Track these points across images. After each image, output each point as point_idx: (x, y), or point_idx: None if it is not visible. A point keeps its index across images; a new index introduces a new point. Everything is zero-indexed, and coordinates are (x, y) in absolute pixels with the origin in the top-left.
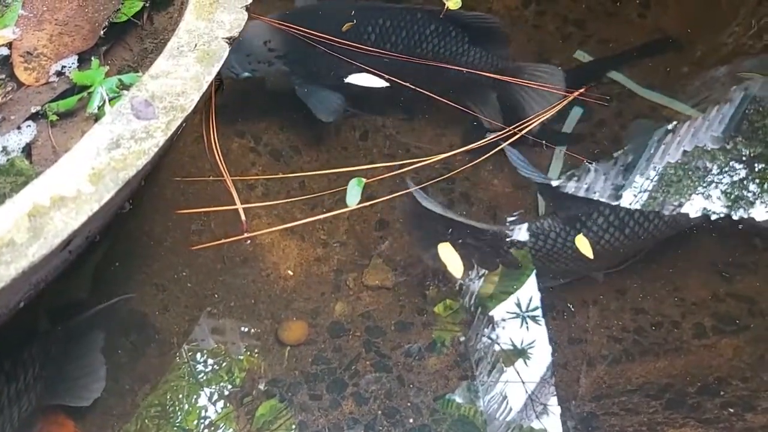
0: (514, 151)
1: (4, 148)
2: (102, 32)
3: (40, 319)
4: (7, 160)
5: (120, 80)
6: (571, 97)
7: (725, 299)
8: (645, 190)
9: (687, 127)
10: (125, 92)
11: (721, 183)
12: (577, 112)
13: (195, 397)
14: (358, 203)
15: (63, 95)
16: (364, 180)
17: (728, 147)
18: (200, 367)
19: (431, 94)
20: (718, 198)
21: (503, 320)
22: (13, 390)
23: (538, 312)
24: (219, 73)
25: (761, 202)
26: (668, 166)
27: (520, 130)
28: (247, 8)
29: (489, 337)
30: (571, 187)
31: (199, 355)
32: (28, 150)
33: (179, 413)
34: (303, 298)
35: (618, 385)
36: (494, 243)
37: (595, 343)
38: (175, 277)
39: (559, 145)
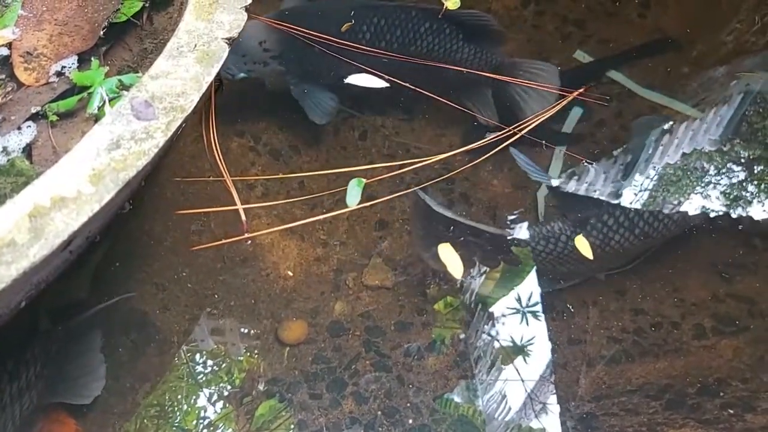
0: (522, 155)
1: (5, 149)
2: (102, 32)
3: (41, 319)
4: (8, 161)
5: (120, 81)
6: (571, 97)
7: (725, 300)
8: (651, 190)
9: (686, 127)
10: (125, 93)
11: (721, 183)
12: (576, 112)
13: (194, 396)
14: (358, 203)
15: (63, 95)
16: (364, 180)
17: (725, 149)
18: (200, 366)
19: (428, 93)
20: (717, 198)
21: (503, 317)
22: (16, 388)
23: (539, 308)
24: (218, 74)
25: (760, 202)
26: (671, 166)
27: (520, 130)
28: (247, 9)
29: (489, 335)
30: (580, 189)
31: (199, 354)
32: (28, 150)
33: (179, 413)
34: (303, 297)
35: (618, 386)
36: (495, 241)
37: (594, 343)
38: (175, 276)
39: (558, 145)
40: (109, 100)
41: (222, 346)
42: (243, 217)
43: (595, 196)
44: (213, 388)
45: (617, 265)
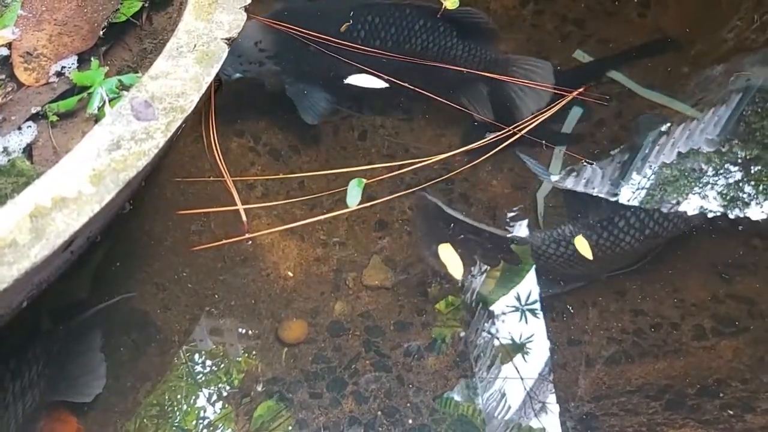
0: (531, 160)
1: (5, 149)
2: (101, 32)
3: (42, 319)
4: (8, 161)
5: (120, 81)
6: (570, 97)
7: (725, 300)
8: (658, 188)
9: (684, 127)
10: (125, 93)
11: (722, 183)
12: (576, 112)
13: (194, 396)
14: (358, 204)
15: (63, 96)
16: (364, 181)
17: (724, 150)
18: (201, 366)
19: (426, 92)
20: (715, 198)
21: (503, 315)
22: (18, 387)
23: (537, 306)
24: (217, 74)
25: (758, 202)
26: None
27: (520, 130)
28: (246, 9)
29: (489, 333)
30: (587, 190)
31: (199, 354)
32: (28, 150)
33: (179, 412)
34: (303, 297)
35: (617, 386)
36: (496, 240)
37: (594, 344)
38: (175, 276)
39: (558, 144)
40: (109, 101)
41: (222, 346)
42: (244, 218)
43: (605, 198)
44: (213, 387)
45: (625, 266)
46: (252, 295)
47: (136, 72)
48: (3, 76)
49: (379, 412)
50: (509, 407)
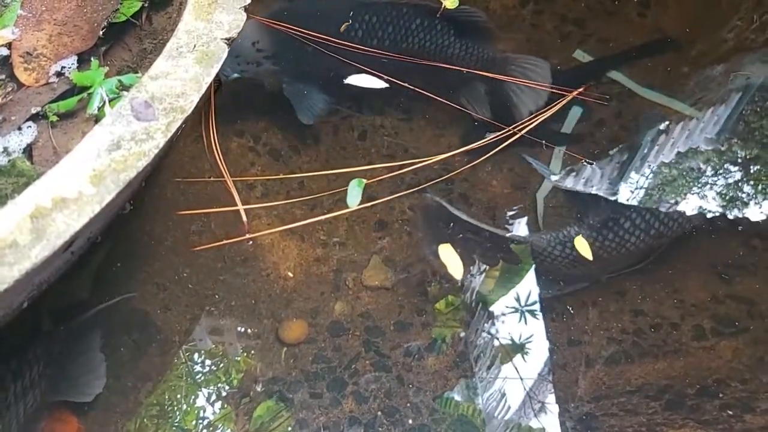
0: (538, 162)
1: (6, 149)
2: (101, 32)
3: (43, 319)
4: (9, 161)
5: (120, 81)
6: (570, 97)
7: (724, 301)
8: (665, 188)
9: (682, 127)
10: (125, 93)
11: (721, 183)
12: (576, 112)
13: (195, 396)
14: (359, 204)
15: (63, 96)
16: (364, 181)
17: (723, 148)
18: (201, 366)
19: (424, 92)
20: (714, 198)
21: (503, 315)
22: (20, 387)
23: (537, 307)
24: (217, 74)
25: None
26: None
27: (520, 130)
28: (246, 9)
29: (489, 333)
30: (591, 190)
31: (200, 354)
32: (29, 151)
33: (179, 412)
34: (303, 297)
35: (617, 386)
36: (495, 239)
37: (594, 344)
38: (176, 276)
39: (558, 144)
40: (109, 101)
41: (222, 346)
42: (244, 218)
43: (609, 198)
44: (213, 387)
45: (628, 265)
46: (252, 295)
47: (136, 72)
48: (3, 76)
49: (379, 412)
50: (509, 407)
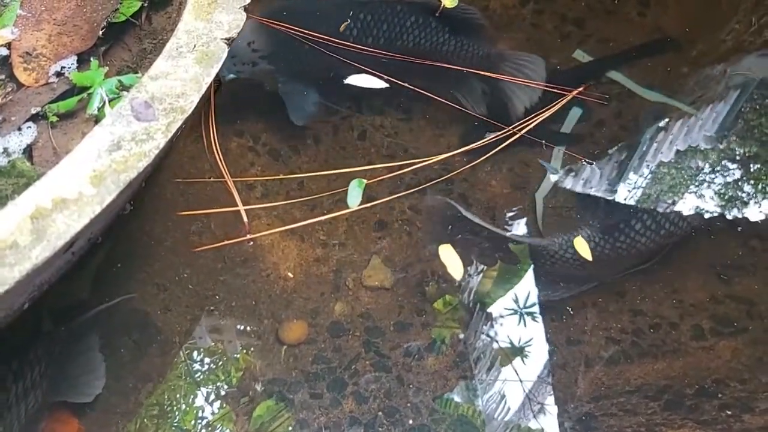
0: (550, 165)
1: (5, 150)
2: (101, 32)
3: (43, 320)
4: (9, 162)
5: (119, 81)
6: (570, 97)
7: (724, 301)
8: (673, 188)
9: (681, 124)
10: (125, 93)
11: (720, 182)
12: (576, 112)
13: (195, 396)
14: (359, 204)
15: (63, 96)
16: (365, 181)
17: (722, 147)
18: (202, 367)
19: (423, 91)
20: (712, 199)
21: (502, 316)
22: (21, 388)
23: (536, 309)
24: (217, 74)
25: (757, 202)
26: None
27: (519, 130)
28: (246, 9)
29: (488, 334)
30: (598, 192)
31: (200, 354)
32: (29, 151)
33: (179, 413)
34: (303, 298)
35: (616, 386)
36: (496, 239)
37: (593, 344)
38: (176, 277)
39: (558, 144)
40: (109, 101)
41: (222, 345)
42: (245, 219)
43: (617, 200)
44: (213, 387)
45: (636, 265)
46: (252, 296)
47: (136, 72)
48: (3, 77)
49: (380, 413)
50: (509, 408)
